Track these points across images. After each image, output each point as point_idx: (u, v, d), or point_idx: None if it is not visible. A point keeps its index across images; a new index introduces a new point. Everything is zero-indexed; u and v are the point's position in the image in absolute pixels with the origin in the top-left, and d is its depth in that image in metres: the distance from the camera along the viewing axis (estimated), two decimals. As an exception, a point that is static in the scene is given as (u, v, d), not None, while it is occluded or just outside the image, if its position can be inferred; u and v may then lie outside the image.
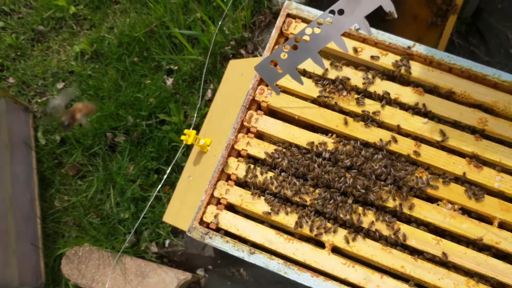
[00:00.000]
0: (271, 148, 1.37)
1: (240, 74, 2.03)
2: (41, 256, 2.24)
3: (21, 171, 2.26)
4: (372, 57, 1.40)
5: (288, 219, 1.31)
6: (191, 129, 1.80)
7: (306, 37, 1.14)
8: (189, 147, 2.16)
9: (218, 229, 1.33)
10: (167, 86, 2.43)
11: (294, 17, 1.46)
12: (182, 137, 1.79)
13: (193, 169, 1.94)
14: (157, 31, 2.53)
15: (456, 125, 1.35)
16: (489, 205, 1.29)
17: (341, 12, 1.14)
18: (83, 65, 2.55)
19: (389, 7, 1.15)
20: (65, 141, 2.42)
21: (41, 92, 2.55)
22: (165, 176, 1.91)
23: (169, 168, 1.80)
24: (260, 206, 1.33)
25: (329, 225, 1.29)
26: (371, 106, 1.37)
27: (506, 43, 2.47)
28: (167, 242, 2.23)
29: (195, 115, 2.07)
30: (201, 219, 1.33)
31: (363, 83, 1.39)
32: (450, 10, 2.08)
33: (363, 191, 1.29)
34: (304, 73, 1.43)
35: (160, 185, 1.92)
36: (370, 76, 1.39)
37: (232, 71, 2.08)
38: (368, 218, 1.29)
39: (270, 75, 1.21)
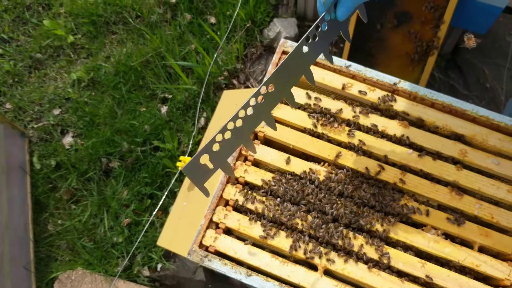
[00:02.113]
0: (267, 175, 1.45)
1: (234, 104, 2.13)
2: (33, 280, 2.26)
3: (16, 195, 2.30)
4: (360, 91, 1.51)
5: (283, 243, 1.38)
6: (186, 155, 1.88)
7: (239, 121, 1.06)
8: (182, 173, 2.23)
9: (216, 252, 1.40)
10: (161, 114, 2.52)
11: (288, 53, 1.57)
12: (178, 164, 1.86)
13: (187, 194, 2.01)
14: (153, 61, 2.63)
15: (438, 155, 1.46)
16: (470, 231, 1.38)
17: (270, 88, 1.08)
18: (79, 92, 2.62)
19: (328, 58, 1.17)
20: (60, 166, 2.47)
21: (37, 118, 2.61)
22: (160, 202, 1.98)
23: (165, 194, 1.86)
24: (256, 230, 1.40)
25: (321, 249, 1.37)
26: (360, 137, 1.47)
27: (483, 78, 2.63)
28: (159, 266, 2.28)
29: (190, 142, 2.15)
30: (201, 242, 1.40)
31: (353, 116, 1.50)
32: (432, 47, 2.23)
33: (353, 217, 1.38)
34: (300, 106, 1.53)
35: (155, 211, 1.98)
36: (359, 110, 1.50)
37: (226, 100, 2.18)
38: (358, 242, 1.37)
39: (200, 174, 1.06)
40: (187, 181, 1.99)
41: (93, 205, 2.35)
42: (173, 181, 2.02)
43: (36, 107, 2.61)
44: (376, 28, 2.30)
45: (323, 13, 1.09)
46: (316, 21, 1.10)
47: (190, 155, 2.16)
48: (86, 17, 2.73)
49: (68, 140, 2.52)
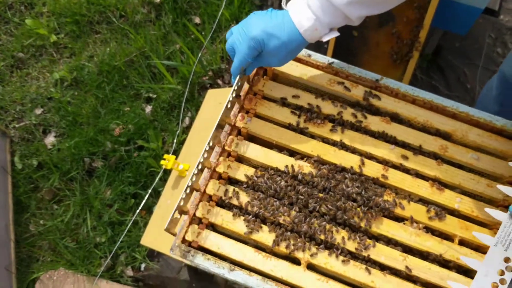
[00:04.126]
0: (250, 171, 1.46)
1: (218, 103, 2.13)
2: (14, 281, 2.23)
3: (-3, 196, 2.27)
4: (344, 88, 1.53)
5: (267, 237, 1.39)
6: (170, 154, 1.87)
7: None
8: (166, 173, 2.22)
9: (199, 248, 1.40)
10: (145, 113, 2.51)
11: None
12: (162, 162, 1.85)
13: (172, 193, 2.00)
14: (137, 60, 2.62)
15: (420, 151, 1.48)
16: (450, 224, 1.40)
17: None
18: (62, 92, 2.60)
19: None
20: (42, 165, 2.44)
21: (18, 118, 2.58)
22: (143, 201, 1.96)
23: (148, 193, 1.86)
24: (240, 225, 1.41)
25: (304, 243, 1.38)
26: (343, 133, 1.49)
27: (464, 78, 2.68)
28: (142, 266, 2.26)
29: (174, 141, 2.15)
30: (183, 237, 1.39)
31: (337, 113, 1.51)
32: (414, 48, 2.26)
33: (336, 211, 1.39)
34: (284, 103, 1.54)
35: (138, 209, 1.97)
36: (341, 106, 1.52)
37: (210, 99, 2.18)
38: (340, 236, 1.38)
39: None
40: (171, 180, 1.98)
41: (76, 205, 2.33)
42: (156, 180, 2.01)
43: (18, 107, 2.58)
44: (359, 29, 2.33)
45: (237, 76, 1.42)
46: (235, 83, 1.43)
47: (174, 154, 2.16)
48: (69, 16, 2.71)
49: (50, 139, 2.50)
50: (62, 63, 2.69)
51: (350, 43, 2.35)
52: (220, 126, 1.46)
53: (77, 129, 2.47)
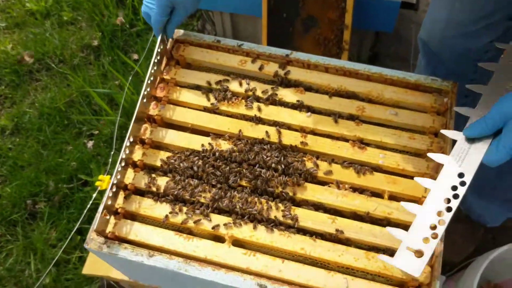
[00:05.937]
0: (166, 155, 1.41)
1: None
2: None
3: None
4: (256, 66, 1.53)
5: (187, 218, 1.31)
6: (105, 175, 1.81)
7: None
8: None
9: (117, 239, 1.31)
10: (87, 149, 2.46)
11: (182, 42, 1.59)
12: (97, 183, 1.79)
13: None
14: (77, 100, 2.61)
15: (337, 114, 1.45)
16: (377, 180, 1.35)
17: None
18: (3, 140, 2.56)
19: None
20: (-19, 215, 2.34)
21: (-42, 172, 2.51)
22: (77, 225, 1.87)
23: (79, 221, 1.77)
24: (158, 210, 1.34)
25: (227, 219, 1.31)
26: (258, 108, 1.46)
27: (403, 78, 2.70)
28: (93, 304, 2.11)
29: (109, 161, 2.10)
30: (99, 230, 1.31)
31: (250, 90, 1.49)
32: (342, 49, 2.30)
33: (257, 182, 1.34)
34: (197, 87, 1.52)
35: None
36: (254, 83, 1.50)
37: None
38: (264, 207, 1.31)
39: None
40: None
41: (19, 249, 2.21)
42: (88, 205, 1.93)
43: (-43, 162, 2.52)
44: (289, 36, 2.38)
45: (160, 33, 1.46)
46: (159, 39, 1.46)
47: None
48: (8, 67, 2.74)
49: (-10, 189, 2.42)
50: (3, 113, 2.67)
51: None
52: (138, 119, 1.44)
53: (18, 173, 2.40)
